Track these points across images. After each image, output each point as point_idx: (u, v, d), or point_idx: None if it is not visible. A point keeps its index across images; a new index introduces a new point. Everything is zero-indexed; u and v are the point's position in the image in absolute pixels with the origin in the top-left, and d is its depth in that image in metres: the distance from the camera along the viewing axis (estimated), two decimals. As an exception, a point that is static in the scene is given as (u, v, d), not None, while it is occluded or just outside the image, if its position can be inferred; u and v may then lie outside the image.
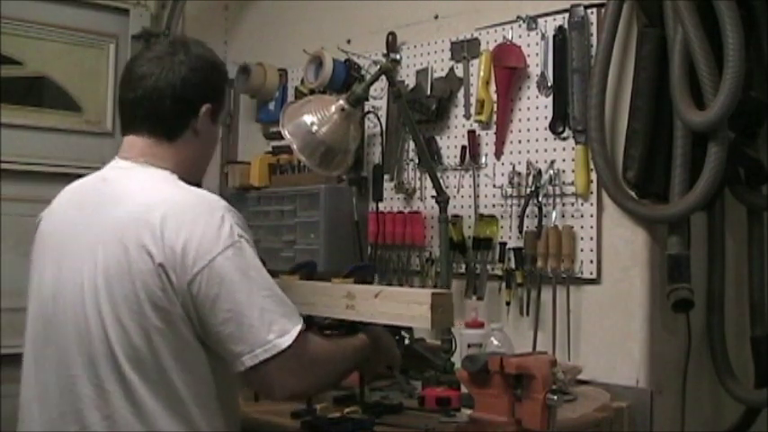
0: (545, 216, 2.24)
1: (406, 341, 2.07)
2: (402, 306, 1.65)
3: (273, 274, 1.53)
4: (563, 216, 2.23)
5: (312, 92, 2.70)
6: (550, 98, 2.28)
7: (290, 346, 1.39)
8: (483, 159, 2.41)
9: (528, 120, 2.33)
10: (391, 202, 2.62)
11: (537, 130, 2.30)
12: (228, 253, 1.40)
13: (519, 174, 2.31)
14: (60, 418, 1.44)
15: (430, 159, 2.31)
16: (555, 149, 2.27)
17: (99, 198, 1.50)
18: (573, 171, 2.22)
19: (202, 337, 1.42)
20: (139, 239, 1.39)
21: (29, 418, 1.49)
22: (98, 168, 1.59)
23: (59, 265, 1.48)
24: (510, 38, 2.36)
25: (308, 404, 1.83)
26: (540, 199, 2.24)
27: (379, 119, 2.56)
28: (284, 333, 1.40)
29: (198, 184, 1.61)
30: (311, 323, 1.77)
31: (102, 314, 1.41)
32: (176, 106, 1.53)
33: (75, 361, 1.43)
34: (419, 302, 1.62)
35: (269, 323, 1.40)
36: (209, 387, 1.44)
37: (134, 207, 1.44)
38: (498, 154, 2.37)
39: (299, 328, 1.42)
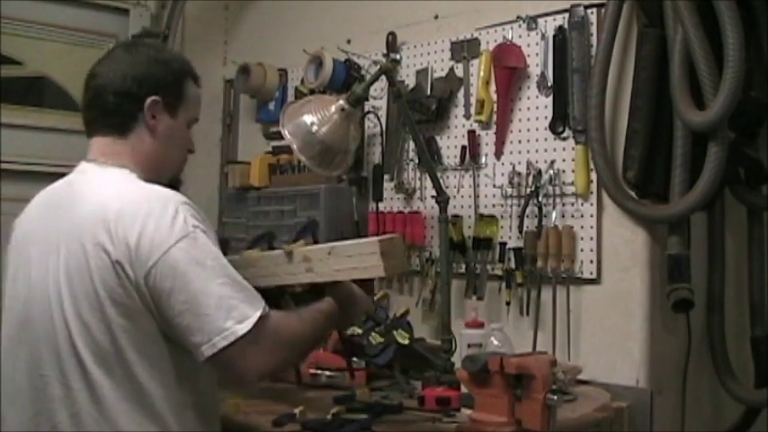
0: (545, 216, 2.24)
1: (406, 341, 2.08)
2: (354, 259, 1.63)
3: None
4: (563, 216, 2.23)
5: (312, 92, 2.70)
6: (550, 98, 2.28)
7: (249, 331, 1.40)
8: (483, 159, 2.41)
9: (528, 120, 2.33)
10: (391, 202, 2.61)
11: (537, 130, 2.30)
12: (182, 244, 1.41)
13: (519, 174, 2.31)
14: (33, 419, 1.47)
15: (430, 159, 2.31)
16: (555, 149, 2.26)
17: (62, 201, 1.54)
18: (573, 171, 2.22)
19: (165, 330, 1.43)
20: (96, 237, 1.42)
21: (2, 421, 1.51)
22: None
23: (29, 268, 1.51)
24: (510, 38, 2.36)
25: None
26: (540, 199, 2.24)
27: (379, 119, 2.55)
28: (244, 318, 1.40)
29: (175, 184, 1.63)
30: (283, 293, 1.78)
31: (65, 313, 1.44)
32: (119, 100, 1.56)
33: (45, 361, 1.45)
34: (369, 252, 1.61)
35: (227, 310, 1.40)
36: (177, 382, 1.45)
37: (90, 207, 1.47)
38: (498, 154, 2.37)
39: (259, 312, 1.42)
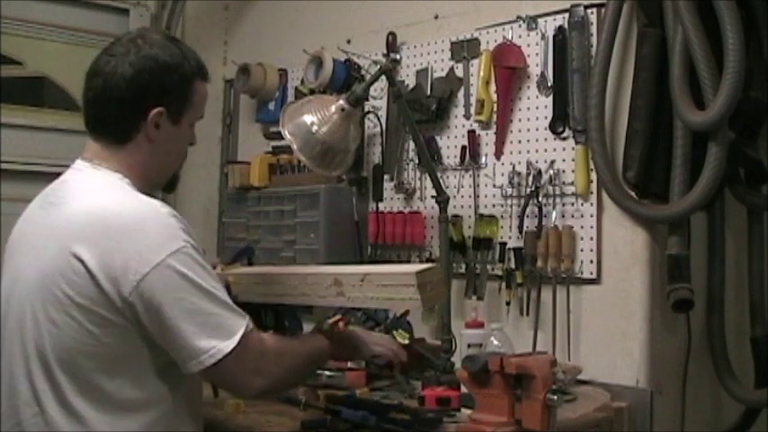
0: (545, 216, 2.24)
1: (406, 341, 2.07)
2: (389, 289, 1.58)
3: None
4: (563, 216, 2.23)
5: (312, 92, 2.71)
6: (550, 98, 2.28)
7: (235, 348, 1.40)
8: (483, 159, 2.41)
9: (528, 120, 2.33)
10: (391, 202, 2.61)
11: (537, 130, 2.30)
12: (172, 260, 1.39)
13: (519, 174, 2.31)
14: (4, 414, 1.47)
15: (430, 159, 2.31)
16: (555, 149, 2.26)
17: (53, 199, 1.52)
18: (573, 171, 2.22)
19: (151, 341, 1.43)
20: (79, 244, 1.40)
21: None
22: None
23: (16, 265, 1.51)
24: (510, 38, 2.36)
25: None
26: (540, 199, 2.24)
27: (379, 119, 2.56)
28: (229, 336, 1.41)
29: (173, 180, 1.61)
30: (260, 309, 1.79)
31: (36, 312, 1.43)
32: (121, 110, 1.50)
33: (16, 358, 1.46)
34: (406, 284, 1.54)
35: (214, 327, 1.41)
36: (146, 391, 1.44)
37: (77, 210, 1.45)
38: (498, 154, 2.37)
39: (242, 329, 1.43)
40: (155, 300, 1.38)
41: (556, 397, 1.51)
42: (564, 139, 2.25)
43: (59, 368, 1.41)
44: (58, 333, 1.41)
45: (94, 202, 1.46)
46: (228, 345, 1.40)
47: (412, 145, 2.52)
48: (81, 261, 1.39)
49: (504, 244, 2.32)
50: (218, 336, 1.40)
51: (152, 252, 1.39)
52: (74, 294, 1.40)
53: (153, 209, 1.45)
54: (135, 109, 1.50)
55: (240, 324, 1.43)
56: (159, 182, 1.60)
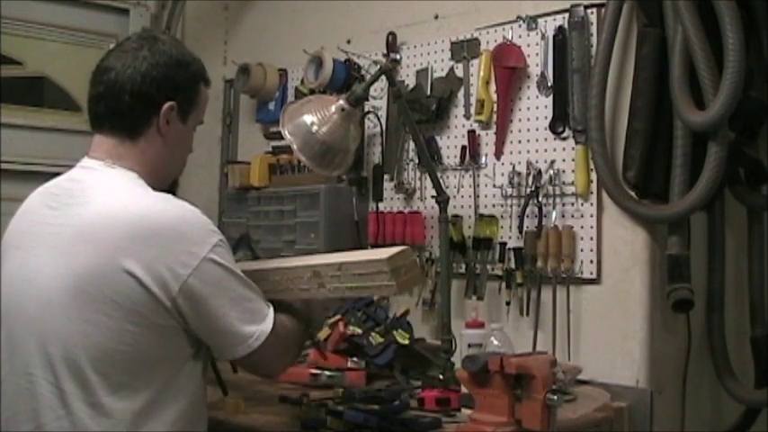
0: (545, 216, 2.24)
1: (406, 341, 2.08)
2: (365, 278, 1.59)
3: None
4: (563, 216, 2.23)
5: (312, 92, 2.71)
6: (550, 98, 2.28)
7: (273, 328, 1.48)
8: (483, 159, 2.41)
9: (528, 120, 2.33)
10: (391, 202, 2.61)
11: (537, 130, 2.30)
12: (213, 254, 1.44)
13: (519, 174, 2.31)
14: (14, 418, 1.45)
15: (430, 159, 2.31)
16: (555, 149, 2.26)
17: (67, 198, 1.49)
18: (573, 171, 2.22)
19: (192, 339, 1.45)
20: (122, 255, 1.38)
21: None
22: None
23: (25, 264, 1.48)
24: (510, 38, 2.36)
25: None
26: (540, 199, 2.24)
27: (379, 119, 2.56)
28: (265, 318, 1.49)
29: (173, 187, 1.63)
30: None
31: (69, 315, 1.40)
32: (135, 102, 1.51)
33: (33, 360, 1.43)
34: (378, 271, 1.56)
35: (253, 312, 1.48)
36: (174, 390, 1.44)
37: (107, 213, 1.43)
38: (498, 154, 2.37)
39: (272, 312, 1.51)
40: (202, 292, 1.42)
41: (556, 397, 1.51)
42: (564, 139, 2.25)
43: (91, 368, 1.39)
44: (93, 332, 1.39)
45: (127, 206, 1.44)
46: (267, 327, 1.48)
47: (412, 145, 2.52)
48: (129, 272, 1.38)
49: (504, 244, 2.32)
50: (258, 320, 1.48)
51: (196, 247, 1.42)
52: (116, 297, 1.38)
53: (186, 209, 1.47)
54: (148, 102, 1.52)
55: (268, 307, 1.51)
56: (165, 183, 1.60)
